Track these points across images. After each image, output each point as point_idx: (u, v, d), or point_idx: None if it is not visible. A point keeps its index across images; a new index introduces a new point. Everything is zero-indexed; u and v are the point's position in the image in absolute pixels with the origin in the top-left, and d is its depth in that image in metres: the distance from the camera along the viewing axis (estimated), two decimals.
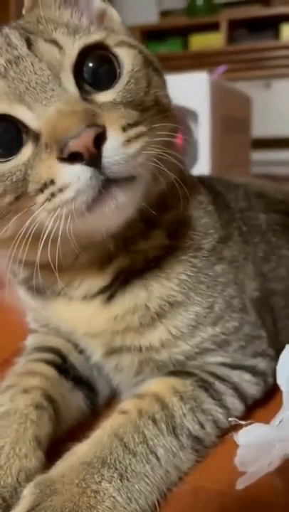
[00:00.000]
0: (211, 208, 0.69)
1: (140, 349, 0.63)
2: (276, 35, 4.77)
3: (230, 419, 0.60)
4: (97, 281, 0.62)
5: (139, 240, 0.61)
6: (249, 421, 0.60)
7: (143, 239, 0.62)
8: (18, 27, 0.55)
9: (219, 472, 0.57)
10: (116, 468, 0.51)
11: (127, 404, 0.59)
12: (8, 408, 0.58)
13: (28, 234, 0.51)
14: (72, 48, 0.52)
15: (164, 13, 5.24)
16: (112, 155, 0.47)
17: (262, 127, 3.76)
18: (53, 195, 0.48)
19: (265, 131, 4.20)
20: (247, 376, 0.65)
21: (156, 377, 0.63)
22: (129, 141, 0.49)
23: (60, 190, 0.47)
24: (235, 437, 0.58)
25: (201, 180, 0.75)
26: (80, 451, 0.53)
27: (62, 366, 0.69)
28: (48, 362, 0.68)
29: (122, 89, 0.53)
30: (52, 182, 0.48)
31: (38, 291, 0.66)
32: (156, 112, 0.57)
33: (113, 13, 0.64)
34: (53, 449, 0.58)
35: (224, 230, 0.69)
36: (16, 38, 0.52)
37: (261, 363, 0.67)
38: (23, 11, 0.60)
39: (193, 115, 1.77)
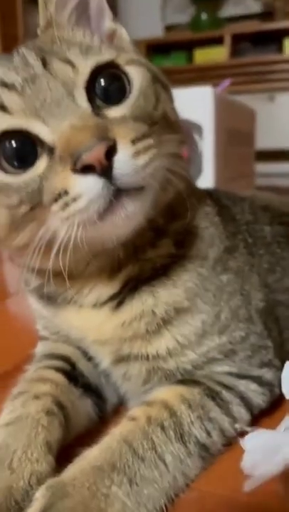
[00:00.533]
0: (217, 219, 0.71)
1: (148, 357, 0.64)
2: (279, 49, 4.83)
3: (236, 425, 0.61)
4: (107, 288, 0.64)
5: (147, 248, 0.63)
6: (255, 427, 0.62)
7: (151, 247, 0.64)
8: (35, 47, 0.57)
9: (226, 478, 0.58)
10: (125, 473, 0.52)
11: (136, 411, 0.60)
12: (20, 413, 0.60)
13: (42, 242, 0.53)
14: (85, 66, 0.55)
15: (168, 28, 5.33)
16: (123, 166, 0.50)
17: (265, 139, 3.79)
18: (66, 204, 0.50)
19: (269, 143, 4.24)
20: (253, 386, 0.66)
21: (164, 386, 0.64)
22: (138, 153, 0.51)
23: (74, 199, 0.50)
24: (242, 442, 0.60)
25: (208, 192, 0.78)
26: (91, 456, 0.54)
27: (72, 373, 0.70)
28: (58, 369, 0.69)
29: (132, 104, 0.56)
30: (66, 192, 0.50)
31: (49, 300, 0.68)
32: (163, 125, 0.59)
33: (123, 32, 0.66)
34: (63, 453, 0.60)
35: (230, 241, 0.70)
36: (32, 58, 0.55)
37: (267, 373, 0.68)
38: (38, 31, 0.63)
39: (197, 128, 1.80)
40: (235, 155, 2.20)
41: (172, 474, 0.55)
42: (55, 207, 0.51)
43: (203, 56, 5.07)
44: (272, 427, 0.56)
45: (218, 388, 0.63)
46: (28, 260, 0.56)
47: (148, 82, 0.59)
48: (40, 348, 0.78)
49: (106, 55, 0.57)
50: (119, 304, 0.64)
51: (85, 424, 0.68)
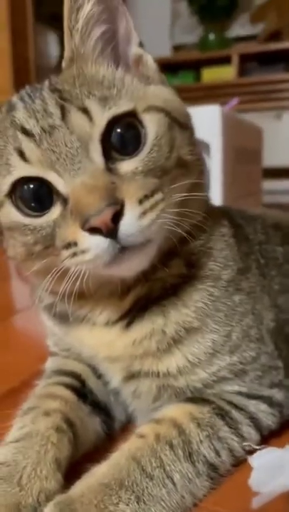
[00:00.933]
0: (232, 241, 0.71)
1: (158, 374, 0.64)
2: (286, 68, 4.89)
3: (244, 443, 0.61)
4: (117, 308, 0.64)
5: (157, 268, 0.63)
6: (263, 446, 0.61)
7: (162, 267, 0.64)
8: (55, 91, 0.58)
9: (233, 496, 0.57)
10: (133, 491, 0.52)
11: (144, 428, 0.60)
12: (30, 430, 0.60)
13: (55, 272, 0.57)
14: (102, 118, 0.56)
15: (176, 47, 5.42)
16: (128, 228, 0.52)
17: (273, 157, 3.81)
18: (75, 253, 0.54)
19: (276, 161, 4.26)
20: (263, 406, 0.65)
21: (173, 403, 0.64)
22: (145, 212, 0.53)
23: (82, 251, 0.53)
24: (250, 460, 0.59)
25: (225, 211, 0.78)
26: (99, 473, 0.54)
27: (81, 391, 0.70)
28: (68, 386, 0.69)
29: (144, 157, 0.56)
30: (75, 243, 0.54)
31: (61, 318, 0.69)
32: (177, 170, 0.60)
33: (148, 58, 0.66)
34: (71, 469, 0.60)
35: (243, 262, 0.71)
36: (52, 106, 0.56)
37: (278, 394, 0.67)
38: (63, 64, 0.62)
39: (205, 147, 1.82)
40: (242, 173, 2.22)
41: (180, 493, 0.54)
42: (66, 253, 0.55)
43: (211, 75, 5.14)
44: (280, 445, 0.56)
45: (227, 408, 0.63)
46: (43, 284, 0.60)
47: (163, 131, 0.59)
48: (50, 364, 0.78)
49: (123, 106, 0.57)
50: (130, 323, 0.64)
51: (93, 441, 0.68)
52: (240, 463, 0.61)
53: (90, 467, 0.57)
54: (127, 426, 0.74)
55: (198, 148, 0.68)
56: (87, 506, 0.50)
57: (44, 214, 0.57)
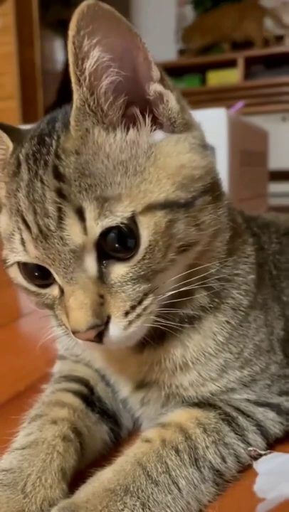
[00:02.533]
0: (256, 261, 0.70)
1: (170, 386, 0.64)
2: None
3: (249, 448, 0.60)
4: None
5: (175, 304, 0.61)
6: (268, 451, 0.61)
7: (180, 303, 0.61)
8: (56, 178, 0.53)
9: (238, 503, 0.57)
10: (138, 497, 0.51)
11: (150, 432, 0.60)
12: (37, 437, 0.59)
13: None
14: (96, 228, 0.52)
15: (182, 51, 5.43)
16: (112, 340, 0.55)
17: (278, 160, 3.80)
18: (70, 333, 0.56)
19: (282, 163, 4.25)
20: (271, 414, 0.65)
21: (180, 408, 0.64)
22: (130, 323, 0.55)
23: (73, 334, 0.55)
24: (255, 465, 0.59)
25: (245, 220, 0.76)
26: (104, 478, 0.54)
27: (90, 398, 0.70)
28: (76, 393, 0.69)
29: (136, 263, 0.54)
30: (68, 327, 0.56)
31: None
32: (178, 256, 0.57)
33: (170, 99, 0.57)
34: (75, 472, 0.60)
35: (258, 274, 0.69)
36: (50, 205, 0.52)
37: (286, 402, 0.67)
38: (71, 121, 0.55)
39: (211, 150, 1.82)
40: (248, 176, 2.21)
41: (185, 499, 0.54)
42: (63, 328, 0.58)
43: (217, 78, 5.15)
44: (286, 451, 0.55)
45: (234, 414, 0.63)
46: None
47: (159, 235, 0.54)
48: (59, 368, 0.78)
49: (121, 213, 0.51)
50: (143, 347, 0.64)
51: (100, 450, 0.67)
52: (245, 468, 0.61)
53: (94, 471, 0.56)
54: (133, 430, 0.73)
55: (223, 202, 0.63)
56: None
57: (47, 285, 0.59)
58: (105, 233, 0.52)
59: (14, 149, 0.59)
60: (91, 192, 0.52)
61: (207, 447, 0.58)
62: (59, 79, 4.59)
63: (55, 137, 0.55)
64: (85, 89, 0.53)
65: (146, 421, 0.70)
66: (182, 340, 0.63)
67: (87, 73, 0.53)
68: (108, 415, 0.71)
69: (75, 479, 0.58)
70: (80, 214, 0.52)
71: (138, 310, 0.55)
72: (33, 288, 0.60)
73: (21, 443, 0.60)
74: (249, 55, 4.93)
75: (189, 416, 0.61)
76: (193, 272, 0.60)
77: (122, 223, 0.52)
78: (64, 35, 4.60)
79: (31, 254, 0.55)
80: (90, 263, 0.54)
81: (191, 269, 0.60)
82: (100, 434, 0.68)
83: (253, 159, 2.29)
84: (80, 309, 0.53)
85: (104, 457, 0.65)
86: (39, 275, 0.58)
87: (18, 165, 0.57)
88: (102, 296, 0.54)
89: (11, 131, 0.61)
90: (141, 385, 0.66)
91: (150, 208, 0.53)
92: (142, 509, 0.51)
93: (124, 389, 0.69)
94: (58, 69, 4.81)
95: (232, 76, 5.05)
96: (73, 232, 0.52)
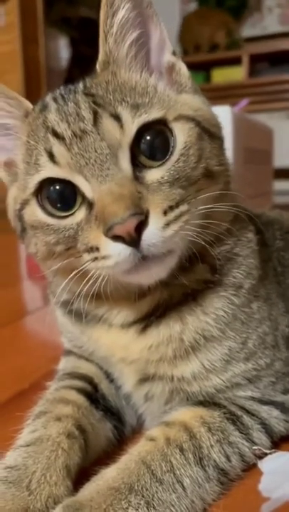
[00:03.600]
0: (257, 248, 0.70)
1: (172, 379, 0.64)
2: None
3: (254, 447, 0.60)
4: (133, 312, 0.64)
5: (180, 273, 0.62)
6: (273, 450, 0.61)
7: (185, 272, 0.62)
8: (89, 96, 0.58)
9: (243, 502, 0.57)
10: (143, 496, 0.51)
11: (154, 431, 0.60)
12: (41, 435, 0.59)
13: (74, 274, 0.58)
14: (132, 126, 0.56)
15: (186, 49, 5.42)
16: (151, 239, 0.52)
17: (283, 158, 3.79)
18: (96, 258, 0.54)
19: (287, 161, 4.23)
20: (276, 412, 0.64)
21: (184, 406, 0.64)
22: (168, 224, 0.53)
23: (103, 257, 0.54)
24: (260, 464, 0.59)
25: (251, 215, 0.77)
26: (108, 476, 0.54)
27: (94, 395, 0.70)
28: (80, 390, 0.69)
29: (171, 166, 0.56)
30: (97, 249, 0.54)
31: (77, 316, 0.69)
32: (203, 182, 0.60)
33: (181, 66, 0.65)
34: (79, 470, 0.60)
35: (262, 269, 0.70)
36: (85, 111, 0.57)
37: None
38: (97, 66, 0.62)
39: None
40: (253, 173, 2.21)
41: (190, 498, 0.54)
42: (87, 257, 0.55)
43: (221, 76, 5.13)
44: None
45: (239, 413, 0.62)
46: (61, 282, 0.61)
47: (192, 142, 0.58)
48: (63, 365, 0.78)
49: (154, 113, 0.57)
50: (145, 328, 0.64)
51: (104, 447, 0.67)
52: (250, 467, 0.61)
53: (98, 469, 0.56)
54: (136, 428, 0.73)
55: (227, 158, 0.67)
56: (96, 510, 0.49)
57: (68, 216, 0.58)
58: (141, 135, 0.56)
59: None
60: (124, 102, 0.57)
61: (212, 446, 0.58)
62: (63, 76, 4.60)
63: (82, 81, 0.62)
64: (111, 43, 0.61)
65: (150, 417, 0.70)
66: (183, 314, 0.63)
67: (115, 27, 0.60)
68: (112, 413, 0.71)
69: (80, 477, 0.58)
70: (116, 117, 0.55)
71: (176, 212, 0.54)
72: (51, 221, 0.58)
73: (26, 440, 0.60)
74: (254, 52, 4.92)
75: (194, 415, 0.61)
76: (206, 228, 0.60)
77: (157, 121, 0.57)
78: (68, 33, 4.60)
79: (62, 164, 0.56)
80: (125, 163, 0.55)
81: (206, 220, 0.60)
82: (104, 431, 0.68)
83: (257, 157, 2.28)
84: (118, 200, 0.52)
85: (108, 455, 0.65)
86: (61, 206, 0.58)
87: (45, 105, 0.61)
88: (140, 193, 0.53)
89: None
90: (144, 378, 0.66)
91: (181, 117, 0.59)
92: (147, 508, 0.51)
93: (127, 382, 0.69)
94: (62, 66, 4.81)
95: (236, 73, 5.04)
96: (111, 128, 0.55)
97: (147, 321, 0.64)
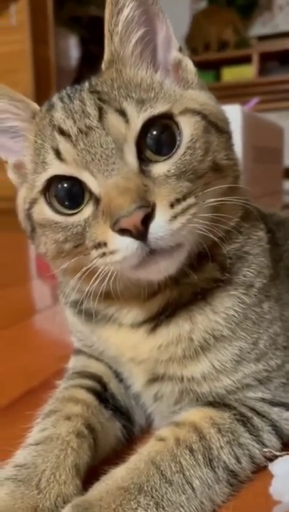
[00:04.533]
0: (267, 247, 0.70)
1: (182, 379, 0.64)
2: None
3: (264, 449, 0.60)
4: (142, 311, 0.64)
5: (190, 272, 0.61)
6: (284, 452, 0.60)
7: (194, 271, 0.62)
8: (95, 93, 0.59)
9: (253, 504, 0.56)
10: (152, 496, 0.51)
11: (164, 431, 0.59)
12: (51, 433, 0.60)
13: (83, 271, 0.58)
14: (138, 121, 0.56)
15: (195, 48, 5.39)
16: (158, 231, 0.52)
17: None
18: (104, 254, 0.54)
19: None
20: (286, 414, 0.64)
21: (194, 407, 0.63)
22: (175, 216, 0.53)
23: (111, 252, 0.54)
24: (271, 467, 0.58)
25: (262, 214, 0.76)
26: (117, 476, 0.54)
27: (103, 395, 0.70)
28: (89, 389, 0.69)
29: (178, 160, 0.56)
30: (105, 244, 0.54)
31: (87, 316, 0.69)
32: (211, 175, 0.59)
33: (188, 63, 0.66)
34: (88, 469, 0.60)
35: (273, 268, 0.69)
36: (90, 107, 0.57)
37: None
38: (102, 66, 0.63)
39: None
40: (263, 172, 2.19)
41: (199, 500, 0.53)
42: (95, 253, 0.55)
43: (231, 75, 5.11)
44: None
45: (249, 414, 0.62)
46: (70, 281, 0.61)
47: (198, 135, 0.58)
48: (73, 364, 0.78)
49: (159, 107, 0.57)
50: (155, 327, 0.63)
51: (113, 446, 0.67)
52: (260, 470, 0.60)
53: (107, 469, 0.56)
54: (145, 427, 0.73)
55: (235, 153, 0.67)
56: (105, 510, 0.49)
57: (76, 213, 0.58)
58: (147, 130, 0.56)
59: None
60: (129, 97, 0.57)
61: (221, 447, 0.57)
62: (73, 76, 4.60)
63: (87, 81, 0.62)
64: (116, 42, 0.61)
65: (159, 417, 0.70)
66: (192, 313, 0.62)
67: (120, 26, 0.60)
68: (121, 412, 0.71)
69: (89, 476, 0.58)
70: (121, 112, 0.56)
71: (183, 204, 0.54)
72: (59, 219, 0.59)
73: (35, 439, 0.60)
74: (264, 51, 4.89)
75: (203, 415, 0.61)
76: (216, 221, 0.60)
77: (162, 115, 0.57)
78: (78, 32, 4.61)
79: (68, 160, 0.56)
80: (131, 157, 0.55)
81: (216, 213, 0.60)
82: (113, 430, 0.68)
83: (267, 156, 2.27)
84: (124, 193, 0.52)
85: (117, 454, 0.65)
86: (69, 204, 0.58)
87: (52, 105, 0.62)
88: (146, 186, 0.53)
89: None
90: (154, 378, 0.66)
91: (188, 111, 0.59)
92: (156, 508, 0.50)
93: (136, 382, 0.69)
94: (72, 66, 4.82)
95: (247, 72, 5.01)
96: (116, 123, 0.55)
97: (157, 320, 0.63)
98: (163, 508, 0.51)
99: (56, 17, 4.42)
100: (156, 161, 0.56)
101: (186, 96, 0.61)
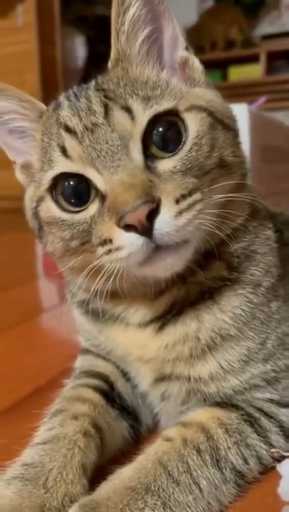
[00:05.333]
0: (275, 246, 0.69)
1: (189, 379, 0.63)
2: None
3: (272, 450, 0.59)
4: (150, 310, 0.64)
5: (196, 271, 0.61)
6: None
7: (201, 269, 0.62)
8: (101, 91, 0.59)
9: (261, 505, 0.56)
10: (159, 496, 0.51)
11: (171, 431, 0.59)
12: (58, 433, 0.60)
13: (90, 268, 0.58)
14: (143, 117, 0.56)
15: (202, 47, 5.38)
16: (163, 227, 0.52)
17: None
18: (110, 250, 0.54)
19: None
20: None
21: (201, 407, 0.63)
22: (181, 212, 0.53)
23: (117, 249, 0.54)
24: (278, 468, 0.58)
25: (271, 213, 0.76)
26: (125, 475, 0.54)
27: (110, 394, 0.70)
28: (96, 388, 0.69)
29: (184, 156, 0.56)
30: (110, 241, 0.54)
31: (94, 316, 0.69)
32: (218, 172, 0.59)
33: (194, 61, 0.65)
34: (95, 469, 0.60)
35: (281, 268, 0.69)
36: (96, 104, 0.57)
37: None
38: (109, 64, 0.63)
39: None
40: (270, 172, 2.18)
41: (206, 500, 0.53)
42: (101, 250, 0.55)
43: (238, 74, 5.09)
44: None
45: (257, 415, 0.61)
46: (77, 280, 0.61)
47: (204, 131, 0.58)
48: (80, 363, 0.78)
49: (165, 104, 0.57)
50: (162, 326, 0.63)
51: (120, 446, 0.67)
52: (268, 470, 0.60)
53: (114, 468, 0.56)
54: (152, 427, 0.73)
55: (242, 150, 0.66)
56: (112, 510, 0.49)
57: (82, 210, 0.58)
58: (153, 126, 0.56)
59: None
60: (135, 94, 0.57)
61: (229, 448, 0.57)
62: (80, 75, 4.61)
63: (94, 79, 0.63)
64: (123, 40, 0.61)
65: (165, 417, 0.69)
66: (200, 312, 0.62)
67: (126, 25, 0.60)
68: (128, 412, 0.70)
69: (95, 475, 0.58)
70: (127, 109, 0.56)
71: (189, 200, 0.54)
72: (66, 216, 0.59)
73: (43, 438, 0.60)
74: (272, 50, 4.87)
75: (211, 416, 0.60)
76: (223, 218, 0.59)
77: (168, 111, 0.57)
78: (85, 32, 4.61)
79: (74, 158, 0.57)
80: (137, 153, 0.55)
81: (223, 210, 0.59)
82: (120, 430, 0.68)
83: (274, 155, 2.26)
84: (129, 189, 0.52)
85: (124, 453, 0.65)
86: (75, 201, 0.58)
87: (58, 104, 0.62)
88: (151, 181, 0.53)
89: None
90: (161, 378, 0.66)
91: (193, 107, 0.59)
92: (163, 508, 0.50)
93: (144, 381, 0.68)
94: (78, 66, 4.83)
95: (254, 71, 5.00)
96: (121, 120, 0.55)
97: (164, 319, 0.63)
98: (170, 508, 0.51)
99: (63, 17, 4.42)
100: (162, 158, 0.56)
101: (192, 93, 0.61)
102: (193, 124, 0.58)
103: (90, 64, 4.61)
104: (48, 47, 4.25)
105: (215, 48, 5.19)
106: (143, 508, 0.50)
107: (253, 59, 4.94)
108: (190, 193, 0.54)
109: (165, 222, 0.52)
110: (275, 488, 0.57)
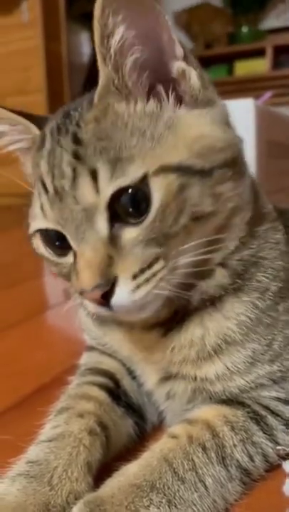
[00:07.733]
0: (285, 249, 0.68)
1: (195, 379, 0.63)
2: None
3: (278, 447, 0.59)
4: (152, 317, 0.62)
5: (197, 279, 0.61)
6: None
7: (202, 278, 0.61)
8: (74, 143, 0.55)
9: (267, 503, 0.56)
10: (165, 494, 0.51)
11: (177, 428, 0.59)
12: (63, 430, 0.60)
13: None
14: (107, 190, 0.53)
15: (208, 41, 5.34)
16: (119, 302, 0.54)
17: None
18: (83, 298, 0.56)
19: None
20: None
21: (207, 404, 0.63)
22: (138, 286, 0.54)
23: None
24: (284, 465, 0.58)
25: (280, 212, 0.74)
26: (130, 472, 0.54)
27: (115, 392, 0.70)
28: (102, 386, 0.69)
29: (148, 225, 0.54)
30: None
31: (98, 319, 0.69)
32: (193, 226, 0.56)
33: (192, 76, 0.58)
34: (100, 466, 0.60)
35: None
36: (66, 166, 0.55)
37: None
38: (96, 96, 0.57)
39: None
40: (276, 167, 2.17)
41: (212, 498, 0.53)
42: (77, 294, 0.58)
43: (244, 68, 5.06)
44: None
45: (263, 412, 0.61)
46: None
47: (170, 199, 0.53)
48: (86, 360, 0.78)
49: (132, 173, 0.52)
50: (166, 332, 0.63)
51: (125, 444, 0.67)
52: (273, 468, 0.60)
53: (119, 465, 0.56)
54: (157, 424, 0.73)
55: (243, 172, 0.62)
56: (117, 507, 0.49)
57: (64, 255, 0.60)
58: (118, 195, 0.53)
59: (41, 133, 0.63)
60: (106, 154, 0.53)
61: (235, 446, 0.57)
62: (85, 72, 4.60)
63: (79, 111, 0.58)
64: (110, 67, 0.55)
65: (171, 415, 0.69)
66: (203, 319, 0.62)
67: (112, 51, 0.55)
68: (133, 409, 0.70)
69: (100, 472, 0.58)
70: (94, 175, 0.53)
71: (147, 274, 0.54)
72: (52, 257, 0.61)
73: (48, 435, 0.60)
74: (278, 44, 4.82)
75: (217, 413, 0.60)
76: (211, 247, 0.58)
77: (133, 184, 0.53)
78: (90, 28, 4.60)
79: (48, 218, 0.57)
80: (101, 224, 0.54)
81: (210, 244, 0.58)
82: (126, 428, 0.68)
83: (280, 151, 2.24)
84: (87, 268, 0.53)
85: (129, 451, 0.65)
86: (59, 244, 0.59)
87: (43, 139, 0.60)
88: (111, 257, 0.54)
89: (37, 120, 0.65)
90: (166, 377, 0.66)
91: (163, 170, 0.53)
92: (168, 506, 0.50)
93: (149, 380, 0.68)
94: (84, 62, 4.82)
95: (260, 66, 4.96)
96: (86, 191, 0.53)
97: (168, 325, 0.63)
98: (175, 506, 0.50)
99: (68, 13, 4.41)
100: (129, 223, 0.54)
101: (178, 134, 0.55)
102: (158, 193, 0.53)
103: (95, 60, 4.59)
104: (53, 43, 4.25)
105: (212, 44, 5.12)
106: (148, 506, 0.50)
107: (259, 53, 4.89)
108: (150, 265, 0.54)
109: (121, 299, 0.53)
110: (280, 486, 0.57)
